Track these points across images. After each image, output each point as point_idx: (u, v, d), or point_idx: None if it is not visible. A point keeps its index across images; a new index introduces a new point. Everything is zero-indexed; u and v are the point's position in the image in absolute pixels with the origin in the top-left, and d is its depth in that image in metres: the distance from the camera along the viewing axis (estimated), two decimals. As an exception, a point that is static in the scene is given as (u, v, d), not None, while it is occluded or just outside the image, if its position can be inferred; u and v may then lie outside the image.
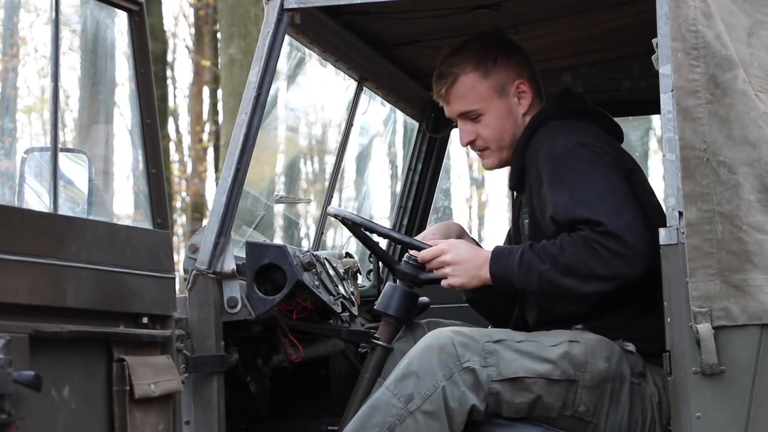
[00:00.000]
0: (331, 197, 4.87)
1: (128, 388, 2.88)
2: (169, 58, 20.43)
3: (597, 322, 3.64)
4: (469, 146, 3.92)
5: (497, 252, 3.67)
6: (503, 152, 3.86)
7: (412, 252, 3.83)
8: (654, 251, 3.40)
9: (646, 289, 3.51)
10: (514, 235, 3.96)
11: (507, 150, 3.85)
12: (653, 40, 3.43)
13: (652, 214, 3.62)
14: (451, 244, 3.73)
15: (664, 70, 3.40)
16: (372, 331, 4.06)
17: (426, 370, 3.47)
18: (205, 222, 5.18)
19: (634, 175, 3.70)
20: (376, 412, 3.48)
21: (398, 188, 5.43)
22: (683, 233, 3.31)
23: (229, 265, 3.60)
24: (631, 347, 3.63)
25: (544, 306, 3.75)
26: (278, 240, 7.19)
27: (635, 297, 3.60)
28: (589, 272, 3.50)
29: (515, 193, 3.97)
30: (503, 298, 3.96)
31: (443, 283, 3.74)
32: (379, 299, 3.97)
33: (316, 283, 3.89)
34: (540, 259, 3.56)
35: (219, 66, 16.77)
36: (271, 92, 3.79)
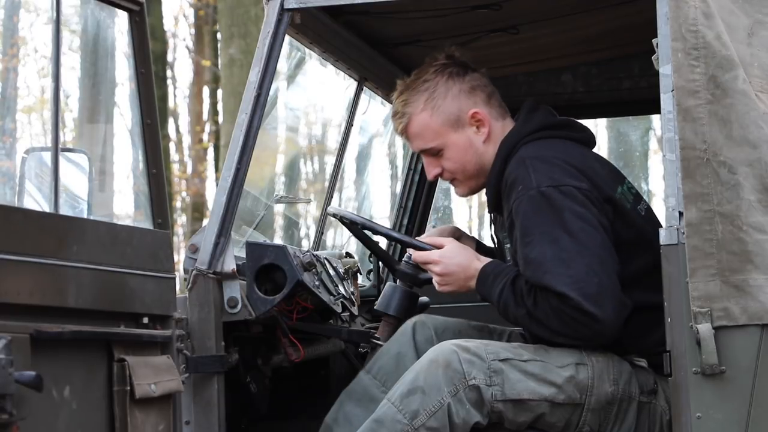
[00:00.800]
0: (331, 197, 4.87)
1: (129, 388, 2.88)
2: (169, 58, 20.43)
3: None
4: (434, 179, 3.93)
5: (483, 275, 3.67)
6: (471, 181, 3.84)
7: (412, 252, 3.84)
8: (623, 311, 3.48)
9: (657, 302, 3.46)
10: (497, 251, 3.93)
11: (475, 179, 3.82)
12: (653, 40, 3.43)
13: (634, 244, 3.61)
14: (444, 255, 3.72)
15: (665, 70, 3.40)
16: (372, 331, 4.06)
17: (432, 386, 3.45)
18: (205, 222, 5.17)
19: (612, 204, 3.63)
20: (381, 427, 3.45)
21: (398, 188, 5.43)
22: (683, 233, 3.31)
23: (230, 265, 3.60)
24: (642, 363, 3.63)
25: None
26: (278, 240, 7.19)
27: (645, 310, 3.58)
28: (558, 332, 3.52)
29: (493, 215, 3.93)
30: None
31: (436, 287, 3.77)
32: (379, 299, 3.98)
33: (316, 283, 3.89)
34: (516, 303, 3.57)
35: (219, 66, 16.78)
36: (271, 92, 3.79)
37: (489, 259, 3.71)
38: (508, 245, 3.75)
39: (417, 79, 3.83)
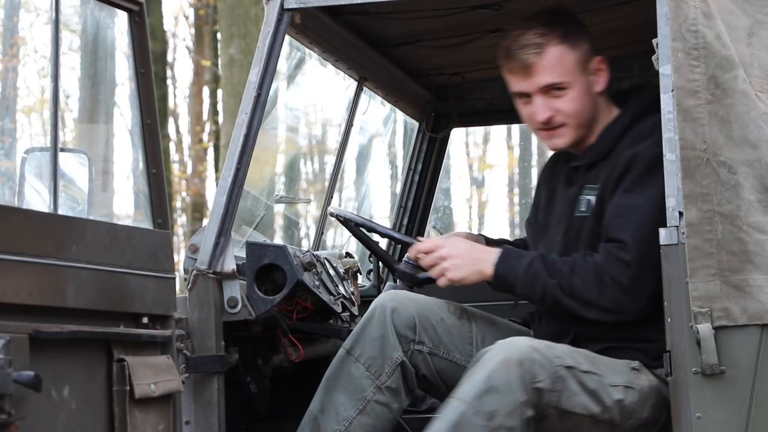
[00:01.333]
0: (331, 197, 4.87)
1: (128, 388, 2.88)
2: (169, 58, 20.44)
3: (628, 340, 3.62)
4: (539, 124, 3.73)
5: (506, 251, 3.65)
6: (579, 130, 3.71)
7: (410, 250, 3.81)
8: (650, 304, 3.48)
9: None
10: (543, 219, 3.84)
11: (584, 128, 3.70)
12: (653, 40, 3.43)
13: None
14: (448, 239, 3.72)
15: (665, 70, 3.40)
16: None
17: (506, 386, 3.38)
18: (205, 222, 5.18)
19: None
20: (459, 430, 3.37)
21: (398, 188, 5.43)
22: (683, 233, 3.31)
23: (230, 265, 3.60)
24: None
25: (569, 322, 3.68)
26: (278, 240, 7.19)
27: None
28: (592, 301, 3.52)
29: (571, 169, 3.78)
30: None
31: (440, 281, 3.69)
32: (379, 299, 3.97)
33: (316, 283, 3.89)
34: (548, 273, 3.56)
35: (219, 66, 16.79)
36: (271, 92, 3.79)
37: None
38: (590, 197, 3.67)
39: (547, 15, 3.72)
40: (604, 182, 3.64)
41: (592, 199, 3.66)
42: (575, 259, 3.57)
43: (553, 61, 3.67)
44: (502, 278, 3.63)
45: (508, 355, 3.40)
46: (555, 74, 3.67)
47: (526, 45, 3.67)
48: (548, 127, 3.71)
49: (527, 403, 3.38)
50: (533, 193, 4.02)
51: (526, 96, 3.71)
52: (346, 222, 3.96)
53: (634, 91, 3.81)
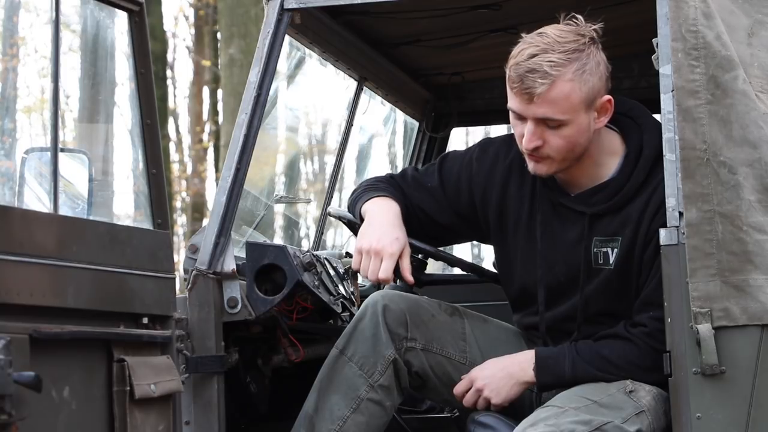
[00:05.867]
0: (331, 197, 4.87)
1: (128, 388, 2.88)
2: (169, 58, 20.45)
3: None
4: (525, 149, 3.54)
5: (542, 359, 3.59)
6: (564, 163, 3.53)
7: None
8: None
9: None
10: (525, 243, 3.70)
11: (568, 161, 3.54)
12: (653, 40, 3.43)
13: None
14: (480, 369, 3.65)
15: (664, 71, 3.40)
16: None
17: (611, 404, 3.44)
18: (205, 222, 5.17)
19: None
20: None
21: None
22: (683, 233, 3.31)
23: (229, 265, 3.60)
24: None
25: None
26: (278, 240, 7.18)
27: None
28: (648, 367, 3.51)
29: (561, 203, 3.64)
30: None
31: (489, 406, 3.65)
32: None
33: (316, 283, 3.89)
34: (593, 366, 3.54)
35: (219, 66, 16.78)
36: (271, 92, 3.79)
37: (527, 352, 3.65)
38: (606, 249, 3.58)
39: (566, 43, 3.46)
40: (630, 239, 3.54)
41: (610, 251, 3.58)
42: (620, 345, 3.54)
43: (557, 97, 3.44)
44: (548, 386, 3.61)
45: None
46: (555, 110, 3.45)
47: (536, 71, 3.43)
48: (533, 154, 3.53)
49: None
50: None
51: (521, 117, 3.51)
52: (345, 221, 3.96)
53: (633, 122, 3.64)
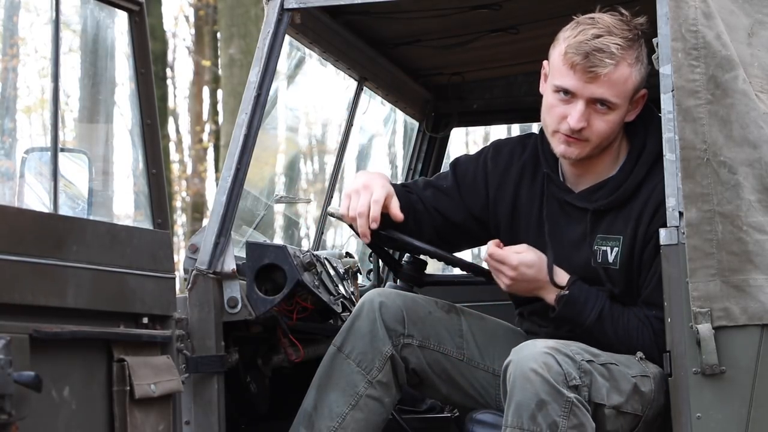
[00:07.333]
0: (331, 197, 4.87)
1: (128, 388, 2.88)
2: (169, 58, 20.44)
3: None
4: (566, 128, 3.54)
5: (573, 296, 3.58)
6: (594, 149, 3.56)
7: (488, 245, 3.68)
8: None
9: None
10: (534, 241, 3.69)
11: (598, 148, 3.57)
12: (653, 40, 3.44)
13: None
14: (522, 261, 3.59)
15: (665, 70, 3.40)
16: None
17: (550, 393, 3.32)
18: (205, 222, 5.17)
19: None
20: None
21: (398, 188, 5.41)
22: (683, 233, 3.31)
23: (230, 265, 3.60)
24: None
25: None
26: (278, 240, 7.19)
27: None
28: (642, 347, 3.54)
29: (589, 210, 3.63)
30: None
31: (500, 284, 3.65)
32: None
33: (316, 283, 3.89)
34: (613, 324, 3.56)
35: (219, 66, 16.78)
36: (271, 92, 3.79)
37: (564, 275, 3.62)
38: (606, 248, 3.60)
39: (624, 30, 3.51)
40: (630, 238, 3.56)
41: (610, 250, 3.60)
42: (635, 323, 3.55)
43: (619, 79, 3.49)
44: (564, 320, 3.61)
45: (536, 367, 3.31)
46: (613, 92, 3.50)
47: (604, 51, 3.47)
48: (573, 135, 3.54)
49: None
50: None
51: (570, 94, 3.52)
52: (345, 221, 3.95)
53: (639, 120, 3.66)
